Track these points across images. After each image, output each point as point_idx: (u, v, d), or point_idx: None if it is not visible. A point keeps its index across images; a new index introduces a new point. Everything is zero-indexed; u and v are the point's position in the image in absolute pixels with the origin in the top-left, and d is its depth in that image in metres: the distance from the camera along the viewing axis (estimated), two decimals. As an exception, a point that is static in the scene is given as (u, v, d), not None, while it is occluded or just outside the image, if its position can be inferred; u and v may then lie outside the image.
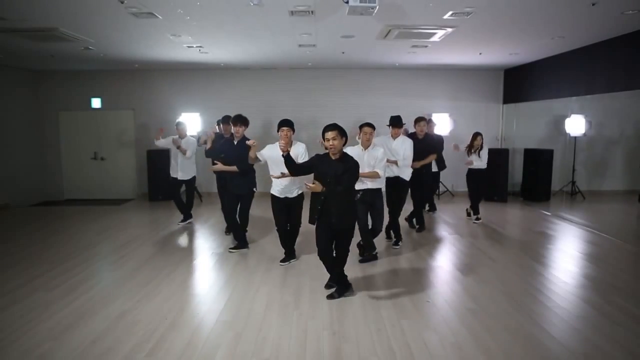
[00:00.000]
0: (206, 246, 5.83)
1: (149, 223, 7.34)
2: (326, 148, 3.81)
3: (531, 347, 3.15)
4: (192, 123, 8.68)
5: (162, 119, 9.37)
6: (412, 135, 6.02)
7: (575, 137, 8.66)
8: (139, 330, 3.41)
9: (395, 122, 5.33)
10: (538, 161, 8.69)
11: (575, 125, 8.30)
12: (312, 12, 4.79)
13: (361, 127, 4.74)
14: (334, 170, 3.71)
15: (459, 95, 9.55)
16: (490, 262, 5.09)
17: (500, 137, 9.76)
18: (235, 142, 5.31)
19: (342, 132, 3.77)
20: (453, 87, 9.52)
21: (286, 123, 4.67)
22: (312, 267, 4.80)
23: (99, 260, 5.26)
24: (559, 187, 9.01)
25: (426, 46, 6.71)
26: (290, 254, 5.09)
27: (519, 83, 9.04)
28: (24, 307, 3.85)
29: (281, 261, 5.00)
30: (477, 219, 6.97)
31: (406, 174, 5.40)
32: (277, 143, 4.46)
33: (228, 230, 6.21)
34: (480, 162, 6.77)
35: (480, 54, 7.38)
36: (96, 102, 9.48)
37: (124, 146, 9.66)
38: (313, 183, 3.72)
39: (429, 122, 6.07)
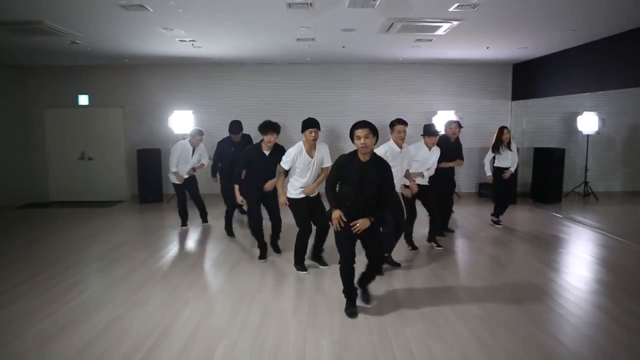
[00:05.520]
0: (200, 251, 5.85)
1: (139, 226, 7.35)
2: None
3: (541, 355, 3.16)
4: (185, 121, 8.70)
5: (153, 117, 9.40)
6: (443, 137, 5.95)
7: (587, 136, 8.68)
8: (130, 338, 3.42)
9: (431, 130, 5.28)
10: (549, 161, 8.70)
11: (588, 122, 8.33)
12: (310, 4, 4.80)
13: (393, 125, 4.63)
14: (364, 174, 3.61)
15: (466, 91, 9.57)
16: (499, 266, 5.11)
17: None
18: (268, 153, 5.04)
19: (374, 130, 3.59)
20: (459, 82, 9.54)
21: (315, 124, 4.49)
22: (310, 273, 4.83)
23: (87, 265, 5.27)
24: (570, 188, 9.03)
25: (431, 40, 6.73)
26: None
27: (528, 78, 9.06)
28: (9, 314, 3.85)
29: (323, 264, 5.03)
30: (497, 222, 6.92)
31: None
32: (299, 145, 4.53)
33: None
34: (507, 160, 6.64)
35: (487, 48, 7.40)
36: (83, 99, 9.48)
37: (113, 145, 9.65)
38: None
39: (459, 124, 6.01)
